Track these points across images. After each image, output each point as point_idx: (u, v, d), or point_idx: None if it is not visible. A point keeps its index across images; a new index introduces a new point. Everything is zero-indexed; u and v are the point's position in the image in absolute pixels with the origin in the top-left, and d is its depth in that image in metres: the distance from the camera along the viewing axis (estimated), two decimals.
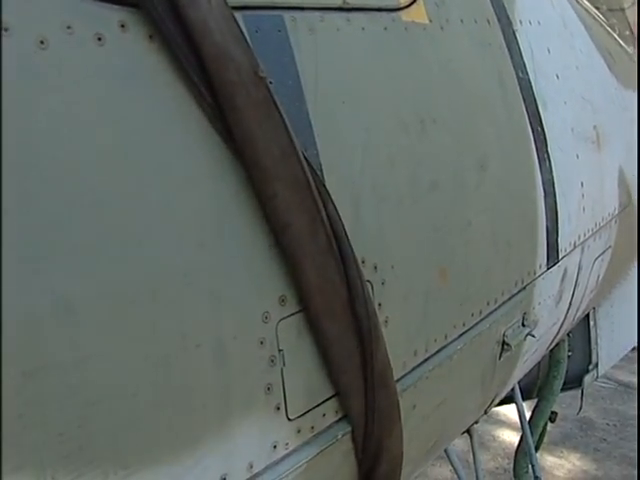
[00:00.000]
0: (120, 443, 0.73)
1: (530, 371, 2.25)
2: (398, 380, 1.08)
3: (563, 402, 3.79)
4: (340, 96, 1.01)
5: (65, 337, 0.68)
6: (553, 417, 2.68)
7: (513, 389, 2.14)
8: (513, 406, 2.41)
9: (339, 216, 0.91)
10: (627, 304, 2.54)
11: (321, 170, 0.93)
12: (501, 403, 2.32)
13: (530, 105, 1.53)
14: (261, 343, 0.87)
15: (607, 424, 4.23)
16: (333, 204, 0.91)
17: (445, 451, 1.87)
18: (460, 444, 2.75)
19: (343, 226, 0.92)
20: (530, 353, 1.67)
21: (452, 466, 1.94)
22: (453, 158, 1.24)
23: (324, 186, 0.90)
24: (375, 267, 1.03)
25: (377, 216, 1.04)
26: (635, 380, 4.78)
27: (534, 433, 2.41)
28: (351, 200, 0.98)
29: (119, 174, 0.73)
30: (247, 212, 0.85)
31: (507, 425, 4.02)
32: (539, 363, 2.32)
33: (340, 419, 1.01)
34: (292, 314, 0.90)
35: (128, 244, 0.73)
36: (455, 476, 2.89)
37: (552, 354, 2.31)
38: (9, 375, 0.64)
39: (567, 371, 2.38)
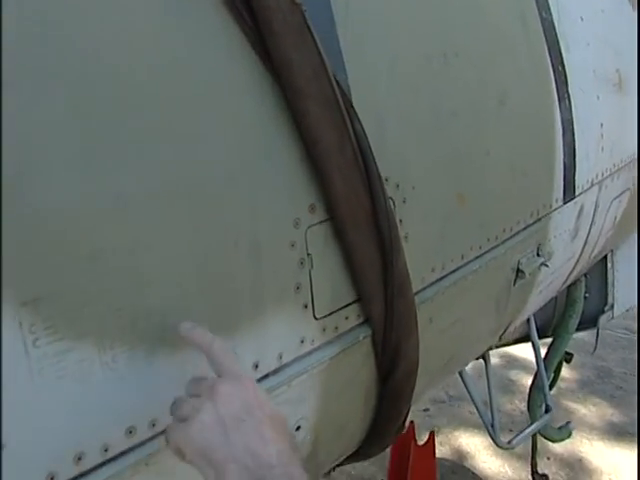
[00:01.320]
0: (166, 323, 0.84)
1: (546, 310, 2.34)
2: (416, 293, 1.17)
3: (581, 350, 3.88)
4: (368, 25, 1.08)
5: (121, 226, 0.78)
6: (569, 358, 2.78)
7: (529, 325, 2.23)
8: (529, 350, 2.51)
9: (365, 134, 1.00)
10: None
11: (349, 92, 1.01)
12: (517, 342, 2.42)
13: (552, 45, 1.59)
14: (292, 246, 0.97)
15: (624, 373, 4.31)
16: (360, 123, 0.99)
17: (460, 375, 1.98)
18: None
19: (368, 143, 1.00)
20: (545, 284, 1.76)
21: (466, 389, 2.05)
22: (473, 91, 1.31)
23: (352, 106, 0.99)
24: (397, 185, 1.11)
25: (400, 139, 1.12)
26: None
27: (548, 370, 2.51)
28: (376, 122, 1.06)
29: (171, 87, 0.82)
30: (282, 128, 0.94)
31: (523, 368, 4.13)
32: (556, 302, 2.41)
33: (361, 323, 1.10)
34: (320, 222, 1.00)
35: (178, 148, 0.83)
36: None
37: (569, 293, 2.39)
38: (78, 256, 0.75)
39: (583, 311, 2.46)
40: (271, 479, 0.69)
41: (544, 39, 1.55)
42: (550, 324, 2.50)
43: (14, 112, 0.69)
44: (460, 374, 1.95)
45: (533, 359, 2.51)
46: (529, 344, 2.37)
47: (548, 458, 3.48)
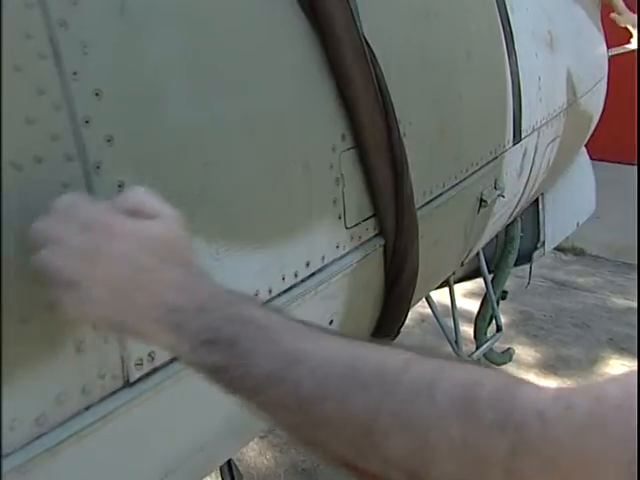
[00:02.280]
0: (251, 224, 1.06)
1: (489, 248, 2.65)
2: None
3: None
4: None
5: (221, 144, 0.99)
6: (504, 295, 3.12)
7: (479, 259, 2.54)
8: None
9: (383, 76, 1.24)
10: (567, 193, 2.97)
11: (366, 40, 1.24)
12: (469, 278, 2.74)
13: (501, 8, 1.87)
14: (330, 167, 1.20)
15: (544, 315, 4.74)
16: (379, 67, 1.23)
17: (429, 304, 2.27)
18: None
19: (386, 84, 1.24)
20: (498, 216, 2.05)
21: (431, 309, 2.34)
22: (448, 44, 1.57)
23: (373, 52, 1.22)
24: (399, 121, 1.36)
25: (399, 83, 1.36)
26: (568, 278, 5.33)
27: (491, 301, 2.84)
28: (385, 67, 1.30)
29: (246, 39, 1.03)
30: (322, 71, 1.16)
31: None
32: (497, 241, 2.73)
33: (377, 234, 1.35)
34: (349, 148, 1.23)
35: (252, 85, 1.04)
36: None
37: (507, 232, 2.72)
38: (191, 166, 0.95)
39: (519, 249, 2.80)
40: (185, 319, 0.66)
41: (495, 3, 1.83)
42: (492, 261, 2.82)
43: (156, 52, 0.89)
44: (426, 297, 2.23)
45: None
46: None
47: None
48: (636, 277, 4.77)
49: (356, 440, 0.59)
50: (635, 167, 5.42)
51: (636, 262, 4.90)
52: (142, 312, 0.67)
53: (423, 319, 4.27)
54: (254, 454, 3.25)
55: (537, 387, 0.56)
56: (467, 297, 4.14)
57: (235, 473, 1.99)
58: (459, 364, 0.60)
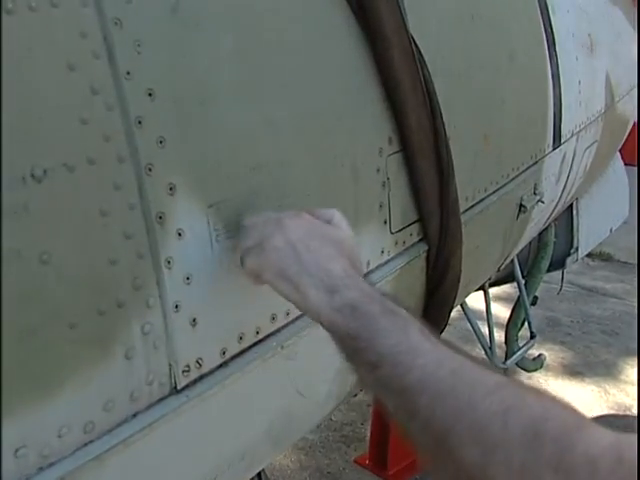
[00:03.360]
0: None
1: (522, 253, 2.62)
2: None
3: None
4: None
5: (271, 145, 0.97)
6: (535, 300, 3.08)
7: (514, 265, 2.51)
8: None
9: (431, 79, 1.21)
10: (601, 199, 2.92)
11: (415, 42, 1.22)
12: (500, 283, 2.70)
13: (543, 10, 1.83)
14: (377, 171, 1.17)
15: (571, 321, 4.69)
16: (427, 69, 1.20)
17: (463, 309, 2.24)
18: None
19: (434, 87, 1.21)
20: (535, 222, 2.02)
21: (466, 315, 2.31)
22: (492, 47, 1.54)
23: (421, 55, 1.20)
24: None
25: (445, 85, 1.33)
26: (596, 284, 5.26)
27: (523, 307, 2.80)
28: (431, 69, 1.27)
29: (297, 42, 1.01)
30: (371, 73, 1.14)
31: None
32: (530, 246, 2.69)
33: (421, 239, 1.32)
34: (396, 152, 1.20)
35: (304, 89, 1.02)
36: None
37: (540, 238, 2.67)
38: (241, 168, 0.93)
39: (552, 255, 2.76)
40: (342, 286, 0.77)
41: (537, 5, 1.79)
42: (525, 266, 2.78)
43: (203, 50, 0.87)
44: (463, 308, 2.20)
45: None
46: None
47: None
48: None
49: (438, 437, 0.66)
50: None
51: None
52: (308, 268, 0.79)
53: (450, 323, 4.21)
54: (279, 457, 3.22)
55: (597, 431, 0.60)
56: (495, 301, 4.10)
57: (263, 477, 1.98)
58: (537, 397, 0.65)
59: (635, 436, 0.58)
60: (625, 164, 3.25)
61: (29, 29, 0.69)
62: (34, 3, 0.70)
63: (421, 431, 0.68)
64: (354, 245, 0.88)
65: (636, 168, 3.61)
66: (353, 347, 0.74)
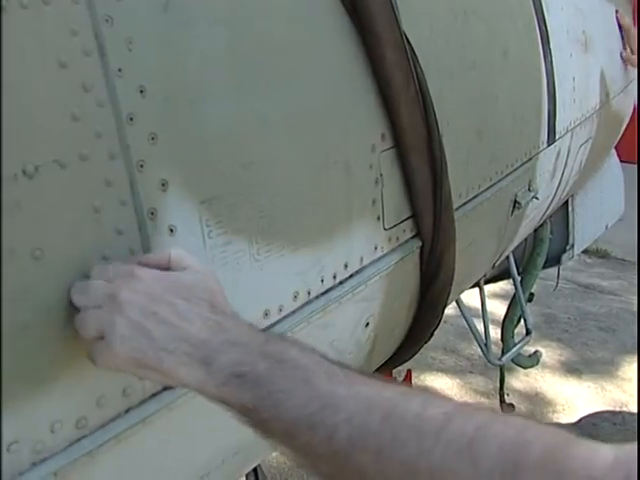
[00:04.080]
0: (292, 225, 1.04)
1: (518, 250, 2.62)
2: None
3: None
4: None
5: (263, 144, 0.98)
6: (531, 297, 3.08)
7: (509, 261, 2.51)
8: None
9: (424, 76, 1.21)
10: (596, 195, 2.93)
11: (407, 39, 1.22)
12: (496, 280, 2.70)
13: (537, 8, 1.83)
14: (370, 167, 1.17)
15: (568, 318, 4.69)
16: (420, 66, 1.20)
17: (458, 305, 2.24)
18: None
19: (426, 84, 1.22)
20: (530, 218, 2.02)
21: (461, 312, 2.31)
22: (485, 44, 1.54)
23: (414, 52, 1.20)
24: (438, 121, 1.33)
25: (438, 82, 1.33)
26: (592, 281, 5.27)
27: (519, 304, 2.81)
28: (424, 66, 1.28)
29: (289, 40, 1.02)
30: (363, 70, 1.14)
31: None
32: (525, 243, 2.69)
33: (414, 236, 1.32)
34: (389, 148, 1.21)
35: (295, 86, 1.02)
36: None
37: (536, 234, 2.68)
38: (233, 165, 0.94)
39: (548, 252, 2.76)
40: (214, 352, 0.65)
41: (531, 2, 1.80)
42: (520, 263, 2.79)
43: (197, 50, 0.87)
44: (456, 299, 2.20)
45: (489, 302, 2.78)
46: None
47: (507, 394, 3.78)
48: None
49: None
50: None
51: None
52: (166, 346, 0.65)
53: (445, 320, 4.22)
54: (277, 454, 3.22)
55: (591, 449, 0.51)
56: (492, 299, 4.10)
57: (259, 473, 1.98)
58: (505, 420, 0.56)
59: (635, 447, 0.49)
60: (621, 161, 3.25)
61: (20, 26, 0.69)
62: (25, 1, 0.70)
63: None
64: (208, 277, 0.74)
65: (634, 166, 3.63)
66: (256, 420, 0.64)
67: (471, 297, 2.67)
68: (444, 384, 3.92)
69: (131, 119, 0.80)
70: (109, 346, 0.67)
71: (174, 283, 0.70)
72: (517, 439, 0.53)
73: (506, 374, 3.27)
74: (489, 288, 3.52)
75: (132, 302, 0.67)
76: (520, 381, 3.91)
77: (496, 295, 4.22)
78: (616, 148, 3.10)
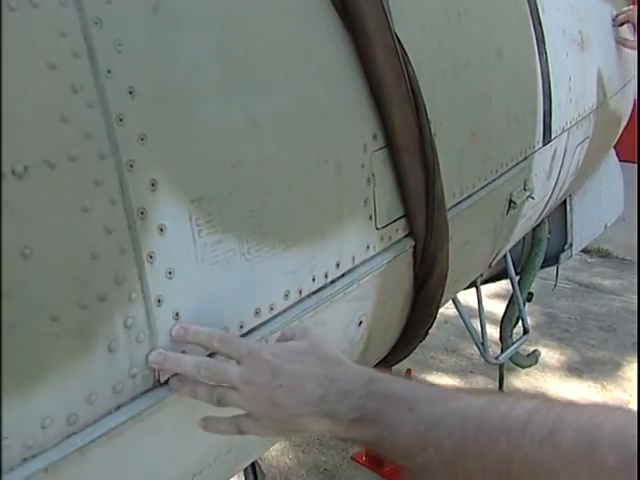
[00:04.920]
0: (282, 224, 1.05)
1: (516, 250, 2.63)
2: None
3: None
4: None
5: (252, 143, 0.99)
6: (530, 297, 3.09)
7: (506, 261, 2.52)
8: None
9: (415, 76, 1.22)
10: (595, 195, 2.93)
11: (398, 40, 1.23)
12: (495, 279, 2.71)
13: (533, 8, 1.84)
14: (362, 166, 1.18)
15: (569, 318, 4.70)
16: (412, 66, 1.21)
17: (456, 305, 2.25)
18: None
19: (418, 84, 1.23)
20: (526, 217, 2.03)
21: (458, 311, 2.32)
22: (479, 44, 1.55)
23: (405, 52, 1.21)
24: (431, 121, 1.34)
25: (431, 83, 1.34)
26: (593, 281, 5.27)
27: (517, 304, 2.81)
28: (416, 67, 1.28)
29: (279, 40, 1.02)
30: (354, 70, 1.15)
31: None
32: (523, 243, 2.70)
33: (407, 235, 1.33)
34: (381, 148, 1.22)
35: (286, 86, 1.03)
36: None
37: (534, 234, 2.68)
38: (222, 165, 0.95)
39: (546, 251, 2.77)
40: (332, 405, 0.78)
41: (527, 3, 1.80)
42: (518, 263, 2.79)
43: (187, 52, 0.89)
44: (452, 298, 2.21)
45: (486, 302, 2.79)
46: None
47: None
48: None
49: None
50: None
51: None
52: (296, 412, 0.79)
53: (446, 320, 4.24)
54: (276, 454, 3.24)
55: None
56: (490, 298, 4.11)
57: (258, 472, 1.99)
58: (580, 408, 0.65)
59: None
60: (620, 161, 3.26)
61: (9, 29, 0.70)
62: (14, 3, 0.71)
63: None
64: (316, 338, 0.88)
65: (634, 165, 3.63)
66: (381, 449, 0.76)
67: (470, 297, 2.68)
68: (444, 384, 3.92)
69: (120, 120, 0.81)
70: (257, 422, 0.83)
71: (288, 354, 0.84)
72: (590, 424, 0.61)
73: (507, 374, 3.29)
74: (490, 288, 3.53)
75: (263, 383, 0.81)
76: (521, 380, 3.92)
77: (497, 295, 4.23)
78: (615, 147, 3.10)
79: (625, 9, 2.56)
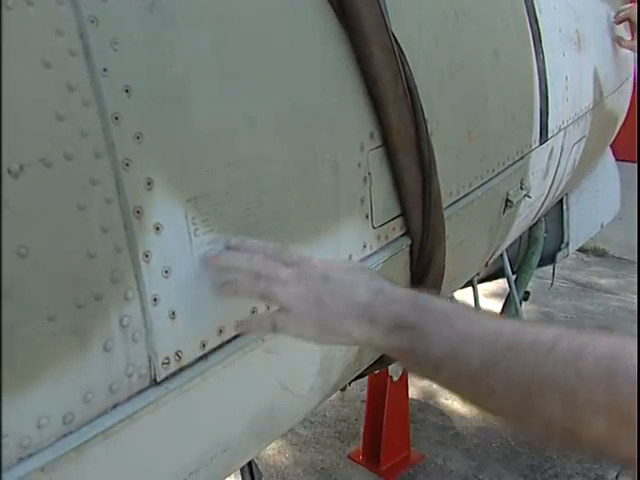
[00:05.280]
0: (279, 223, 1.05)
1: (512, 249, 2.63)
2: None
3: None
4: None
5: (249, 141, 0.99)
6: (527, 296, 3.09)
7: (503, 260, 2.52)
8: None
9: (412, 75, 1.22)
10: (591, 194, 2.94)
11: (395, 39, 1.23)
12: (491, 278, 2.71)
13: (529, 7, 1.84)
14: (358, 165, 1.18)
15: (565, 316, 4.70)
16: (408, 65, 1.21)
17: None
18: None
19: (414, 83, 1.23)
20: (523, 216, 2.03)
21: None
22: (476, 43, 1.55)
23: (402, 51, 1.21)
24: (427, 120, 1.34)
25: (428, 82, 1.34)
26: (590, 280, 5.28)
27: (514, 302, 2.82)
28: (413, 66, 1.29)
29: (275, 40, 1.02)
30: (351, 69, 1.15)
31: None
32: (520, 242, 2.70)
33: (404, 234, 1.33)
34: (377, 147, 1.22)
35: (283, 85, 1.03)
36: None
37: (531, 233, 2.69)
38: (219, 164, 0.95)
39: (543, 250, 2.77)
40: (377, 311, 0.82)
41: (523, 2, 1.80)
42: (515, 262, 2.80)
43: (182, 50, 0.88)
44: (449, 297, 2.21)
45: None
46: None
47: None
48: None
49: (518, 404, 0.70)
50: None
51: None
52: (342, 314, 0.83)
53: None
54: (273, 452, 3.24)
55: None
56: (487, 297, 4.11)
57: (255, 471, 1.99)
58: (604, 338, 0.68)
59: None
60: (617, 160, 3.26)
61: (5, 27, 0.70)
62: (10, 1, 0.71)
63: (500, 406, 0.73)
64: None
65: (631, 164, 3.63)
66: (412, 361, 0.80)
67: (467, 296, 2.68)
68: None
69: (116, 118, 0.80)
70: (296, 320, 0.85)
71: (339, 266, 0.91)
72: (611, 352, 0.65)
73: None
74: (486, 287, 3.53)
75: (312, 284, 0.85)
76: None
77: (493, 294, 4.23)
78: (611, 146, 3.11)
79: (625, 7, 2.56)
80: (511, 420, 0.75)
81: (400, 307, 0.81)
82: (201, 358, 0.95)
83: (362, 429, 3.18)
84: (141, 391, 0.88)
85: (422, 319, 0.78)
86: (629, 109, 2.97)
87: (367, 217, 1.22)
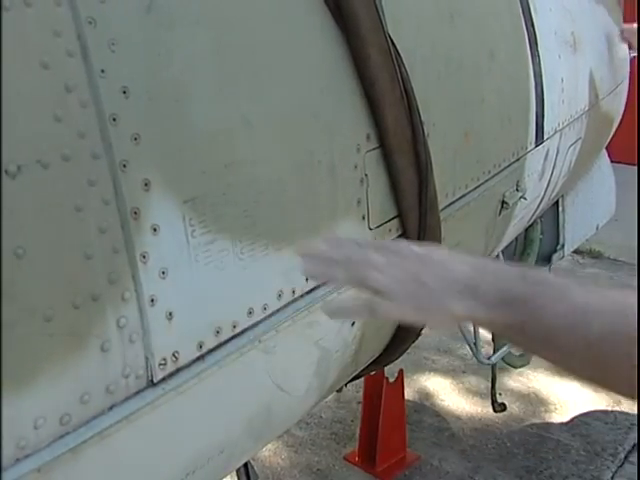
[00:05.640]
0: (276, 224, 1.05)
1: (508, 250, 2.63)
2: None
3: None
4: None
5: (246, 143, 0.99)
6: None
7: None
8: None
9: (409, 77, 1.22)
10: (587, 196, 2.94)
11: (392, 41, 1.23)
12: None
13: (525, 9, 1.85)
14: (355, 167, 1.19)
15: None
16: (405, 68, 1.22)
17: None
18: None
19: (411, 85, 1.23)
20: (519, 218, 2.03)
21: None
22: (472, 46, 1.56)
23: (399, 54, 1.21)
24: (424, 122, 1.34)
25: (424, 84, 1.35)
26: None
27: None
28: (409, 68, 1.29)
29: (272, 42, 1.03)
30: (347, 71, 1.15)
31: None
32: (516, 243, 2.71)
33: (400, 235, 1.34)
34: (374, 148, 1.22)
35: (280, 88, 1.03)
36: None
37: (527, 234, 2.69)
38: (216, 165, 0.95)
39: (538, 252, 2.77)
40: (482, 286, 0.77)
41: (519, 4, 1.81)
42: (511, 262, 2.80)
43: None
44: None
45: None
46: None
47: (500, 394, 3.80)
48: None
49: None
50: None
51: None
52: (442, 291, 0.78)
53: None
54: (269, 454, 3.24)
55: None
56: None
57: (251, 472, 1.99)
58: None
59: None
60: (612, 161, 3.27)
61: (3, 28, 0.70)
62: (8, 3, 0.71)
63: (619, 376, 0.71)
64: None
65: (626, 166, 3.63)
66: (520, 334, 0.77)
67: None
68: (437, 384, 3.93)
69: (114, 119, 0.81)
70: (396, 299, 0.80)
71: (432, 248, 0.85)
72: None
73: (500, 374, 3.29)
74: None
75: (409, 266, 0.81)
76: (513, 381, 3.92)
77: None
78: (607, 149, 3.12)
79: (627, 27, 2.59)
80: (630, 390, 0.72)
81: (508, 282, 0.77)
82: (198, 359, 0.95)
83: (358, 430, 3.18)
84: (138, 392, 0.88)
85: (533, 292, 0.75)
86: (624, 111, 2.98)
87: (364, 218, 1.22)
